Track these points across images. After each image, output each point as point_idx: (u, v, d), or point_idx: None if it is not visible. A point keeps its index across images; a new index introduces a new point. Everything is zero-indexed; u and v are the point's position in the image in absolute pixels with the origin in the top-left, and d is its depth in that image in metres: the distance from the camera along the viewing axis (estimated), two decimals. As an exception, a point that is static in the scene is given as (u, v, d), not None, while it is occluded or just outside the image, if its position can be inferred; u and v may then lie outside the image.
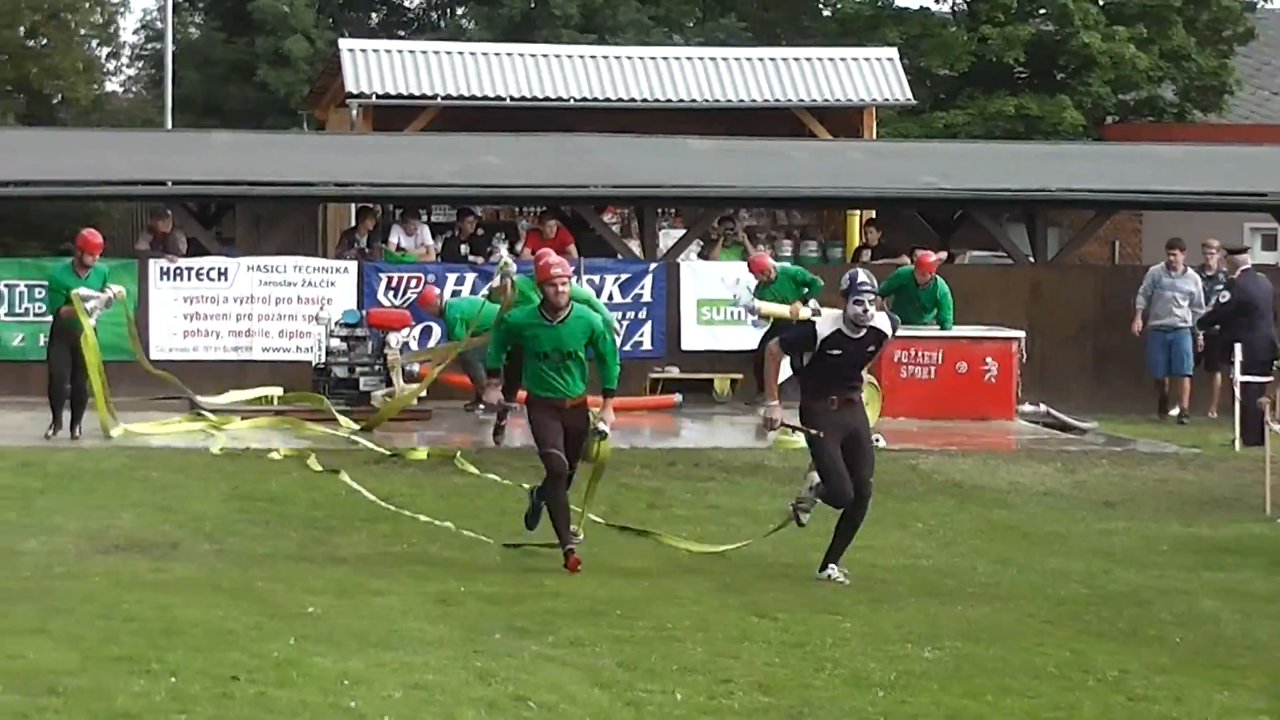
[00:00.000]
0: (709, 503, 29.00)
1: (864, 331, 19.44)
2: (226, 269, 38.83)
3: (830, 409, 19.80)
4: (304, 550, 23.05)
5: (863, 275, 19.41)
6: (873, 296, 18.88)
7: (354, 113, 49.33)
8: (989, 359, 38.00)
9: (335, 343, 37.36)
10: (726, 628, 18.45)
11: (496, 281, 35.18)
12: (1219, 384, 37.57)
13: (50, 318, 29.95)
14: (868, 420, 22.56)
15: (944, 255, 39.94)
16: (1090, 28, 62.01)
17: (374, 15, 62.54)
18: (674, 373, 39.29)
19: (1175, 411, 38.53)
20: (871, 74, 52.64)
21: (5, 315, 38.76)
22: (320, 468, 29.55)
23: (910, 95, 53.70)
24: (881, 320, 19.45)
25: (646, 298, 40.40)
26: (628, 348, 39.71)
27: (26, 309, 37.46)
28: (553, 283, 19.81)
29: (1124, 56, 62.49)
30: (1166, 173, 42.82)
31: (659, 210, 42.42)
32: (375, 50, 53.13)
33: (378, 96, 50.47)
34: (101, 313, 26.91)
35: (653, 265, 40.61)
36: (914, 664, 17.47)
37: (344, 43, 52.68)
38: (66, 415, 29.47)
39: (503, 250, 39.66)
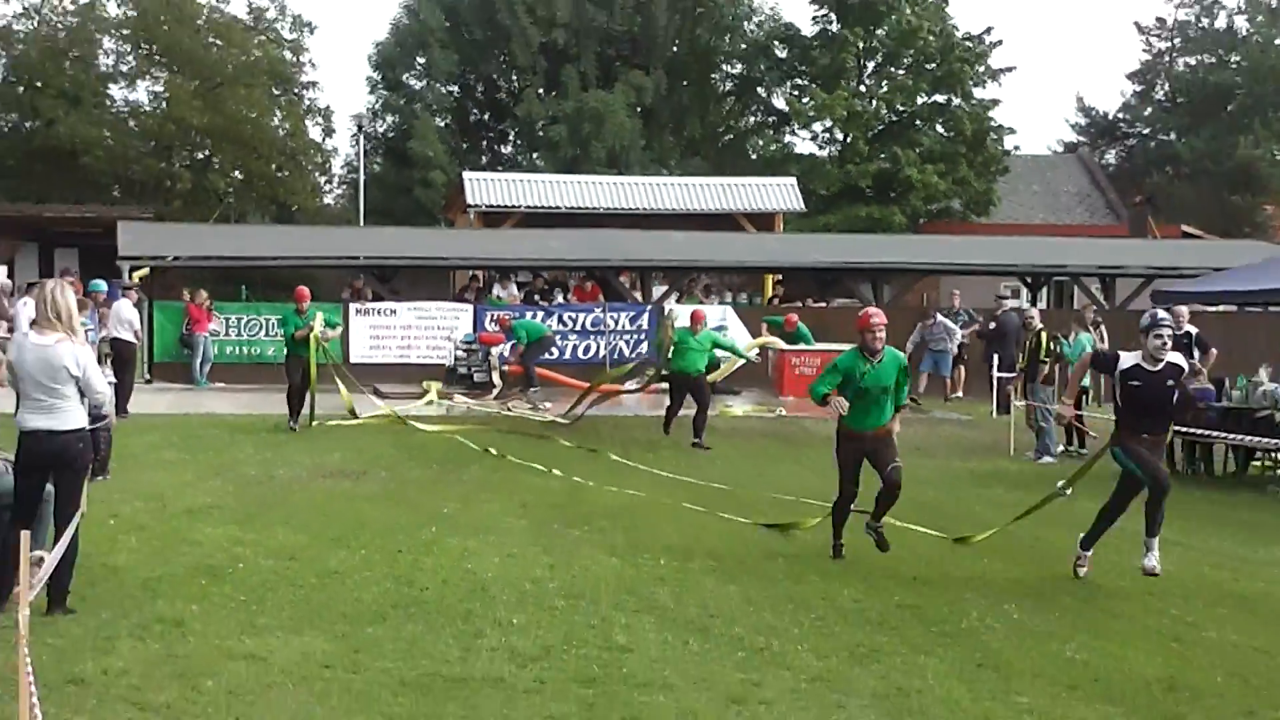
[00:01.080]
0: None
1: (1161, 365, 16.13)
2: (395, 309, 40.56)
3: (1142, 446, 15.85)
4: (441, 477, 23.65)
5: (1162, 313, 16.57)
6: (1170, 333, 16.12)
7: (471, 216, 53.51)
8: None
9: (460, 354, 38.07)
10: (692, 524, 19.27)
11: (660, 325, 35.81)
12: (964, 377, 40.63)
13: (284, 341, 29.77)
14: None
15: (794, 316, 40.72)
16: (911, 165, 67.13)
17: (483, 157, 57.19)
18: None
19: (958, 395, 40.23)
20: (780, 193, 57.25)
21: (265, 336, 39.59)
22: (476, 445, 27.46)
23: (803, 206, 58.42)
24: (1176, 356, 16.41)
25: (645, 326, 40.60)
26: (635, 354, 40.70)
27: (277, 333, 36.37)
28: (872, 329, 17.08)
29: (931, 182, 67.55)
30: (955, 253, 47.79)
31: (652, 274, 46.42)
32: (484, 178, 57.21)
33: (486, 206, 53.61)
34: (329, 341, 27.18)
35: (648, 306, 42.01)
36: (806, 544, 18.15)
37: (467, 174, 57.53)
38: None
39: (670, 302, 41.94)
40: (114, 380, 29.75)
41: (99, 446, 18.19)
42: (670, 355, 29.86)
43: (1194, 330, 28.71)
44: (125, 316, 31.26)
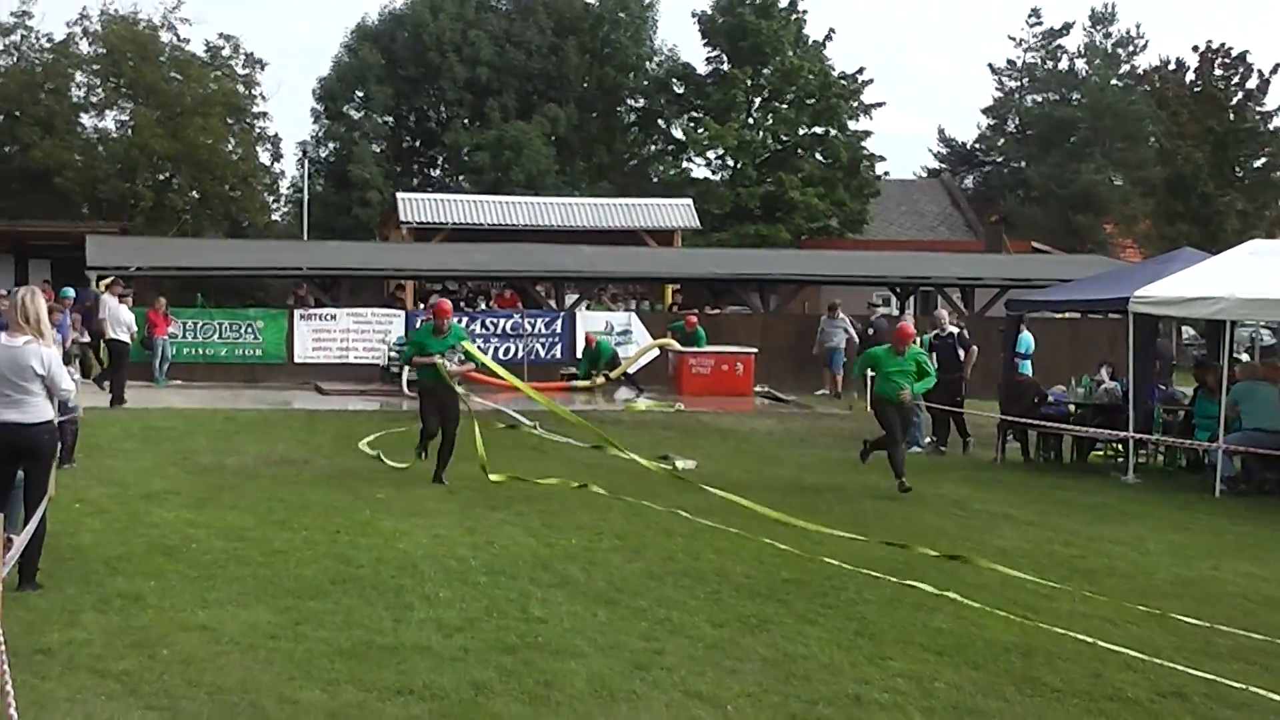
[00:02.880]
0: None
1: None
2: (335, 314, 40.90)
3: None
4: (375, 466, 23.42)
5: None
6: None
7: (404, 231, 54.04)
8: (739, 364, 39.02)
9: (393, 354, 37.85)
10: (600, 508, 19.08)
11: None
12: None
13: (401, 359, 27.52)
14: None
15: (694, 317, 41.62)
16: (794, 188, 67.29)
17: (414, 180, 57.04)
18: (572, 370, 39.66)
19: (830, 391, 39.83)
20: (678, 213, 57.53)
21: (218, 339, 40.20)
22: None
23: (699, 224, 58.88)
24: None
25: (559, 330, 41.97)
26: (549, 356, 42.00)
27: (229, 336, 39.79)
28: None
29: (812, 204, 68.00)
30: (832, 266, 48.20)
31: (565, 283, 46.69)
32: (415, 198, 57.65)
33: (417, 223, 54.16)
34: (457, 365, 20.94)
35: (562, 313, 43.17)
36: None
37: (400, 194, 57.69)
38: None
39: (581, 308, 44.32)
40: (101, 376, 31.72)
41: (65, 437, 18.39)
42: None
43: (956, 330, 29.20)
44: (123, 319, 32.76)
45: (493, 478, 20.98)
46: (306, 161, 65.57)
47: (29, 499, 12.77)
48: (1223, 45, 71.18)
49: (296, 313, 40.18)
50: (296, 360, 39.00)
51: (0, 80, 58.93)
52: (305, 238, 59.33)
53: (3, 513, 10.43)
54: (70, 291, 31.61)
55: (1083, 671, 10.99)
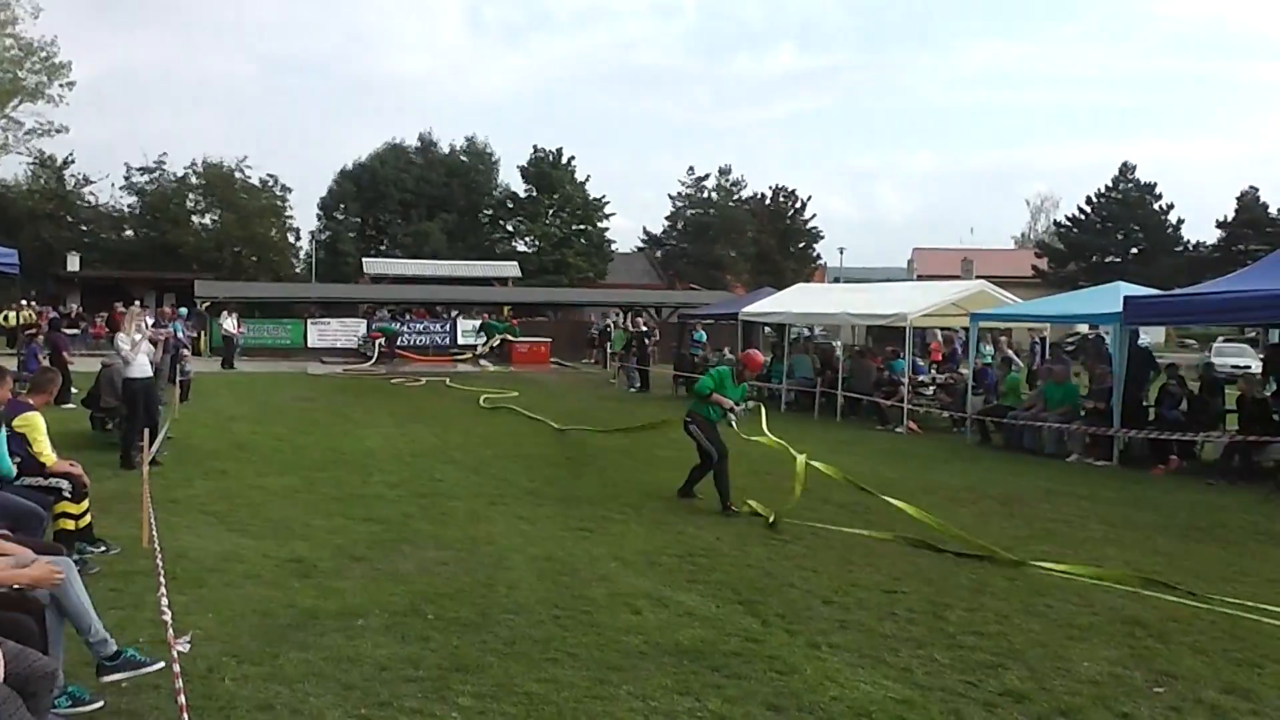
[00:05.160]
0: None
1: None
2: (329, 321, 38.05)
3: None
4: (354, 400, 21.67)
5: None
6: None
7: (367, 279, 50.66)
8: (542, 347, 36.21)
9: (360, 343, 36.07)
10: (481, 417, 17.36)
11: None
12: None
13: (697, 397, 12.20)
14: None
15: (515, 321, 38.82)
16: (569, 258, 61.57)
17: (373, 251, 56.46)
18: (472, 343, 37.41)
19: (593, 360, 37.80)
20: (510, 269, 53.58)
21: (266, 335, 37.21)
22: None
23: (520, 274, 54.08)
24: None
25: (446, 330, 38.88)
26: (443, 343, 38.32)
27: (273, 333, 37.62)
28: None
29: (579, 264, 62.32)
30: (591, 295, 49.31)
31: (452, 306, 42.51)
32: (373, 261, 54.06)
33: (374, 274, 50.45)
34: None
35: (449, 321, 39.84)
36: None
37: (365, 259, 55.36)
38: None
39: (464, 321, 39.80)
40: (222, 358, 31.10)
41: (187, 389, 18.60)
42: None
43: (646, 329, 29.33)
44: (228, 328, 32.69)
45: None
46: (314, 241, 63.68)
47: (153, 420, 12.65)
48: (784, 186, 75.88)
49: (309, 320, 39.83)
50: (309, 346, 38.28)
51: (150, 198, 57.11)
52: (314, 281, 57.53)
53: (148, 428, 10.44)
54: (184, 310, 32.35)
55: (812, 598, 7.88)
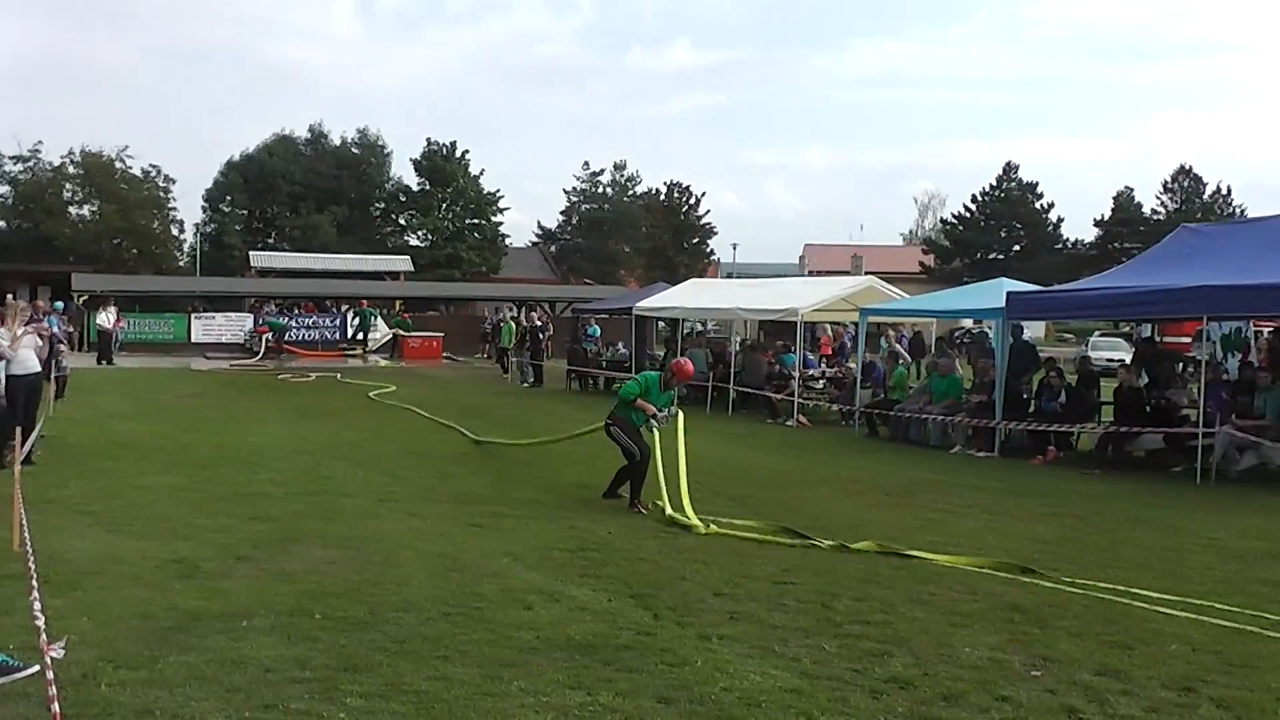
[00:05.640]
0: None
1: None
2: (214, 315, 37.80)
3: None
4: (239, 396, 20.42)
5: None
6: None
7: (254, 271, 49.27)
8: (434, 341, 36.20)
9: (247, 339, 35.78)
10: (366, 414, 17.53)
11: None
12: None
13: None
14: None
15: (407, 315, 39.61)
16: (463, 251, 61.38)
17: (260, 244, 54.94)
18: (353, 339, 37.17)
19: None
20: (402, 263, 52.96)
21: (147, 330, 36.61)
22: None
23: (413, 268, 53.39)
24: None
25: (336, 324, 37.81)
26: (332, 338, 37.36)
27: (155, 327, 36.91)
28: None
29: (472, 259, 61.82)
30: (484, 290, 48.59)
31: (343, 300, 41.04)
32: (260, 254, 53.07)
33: (261, 268, 49.51)
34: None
35: (339, 315, 38.71)
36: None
37: (252, 252, 54.27)
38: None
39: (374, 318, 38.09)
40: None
41: (63, 385, 18.03)
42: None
43: (540, 323, 29.42)
44: (101, 322, 31.75)
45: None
46: (199, 233, 61.96)
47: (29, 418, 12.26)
48: (679, 182, 76.55)
49: (192, 315, 39.46)
50: (194, 342, 37.49)
51: (24, 187, 55.38)
52: (198, 274, 56.11)
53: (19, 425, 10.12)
54: (60, 304, 31.96)
55: (715, 584, 9.79)
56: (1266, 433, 13.40)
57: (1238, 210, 66.21)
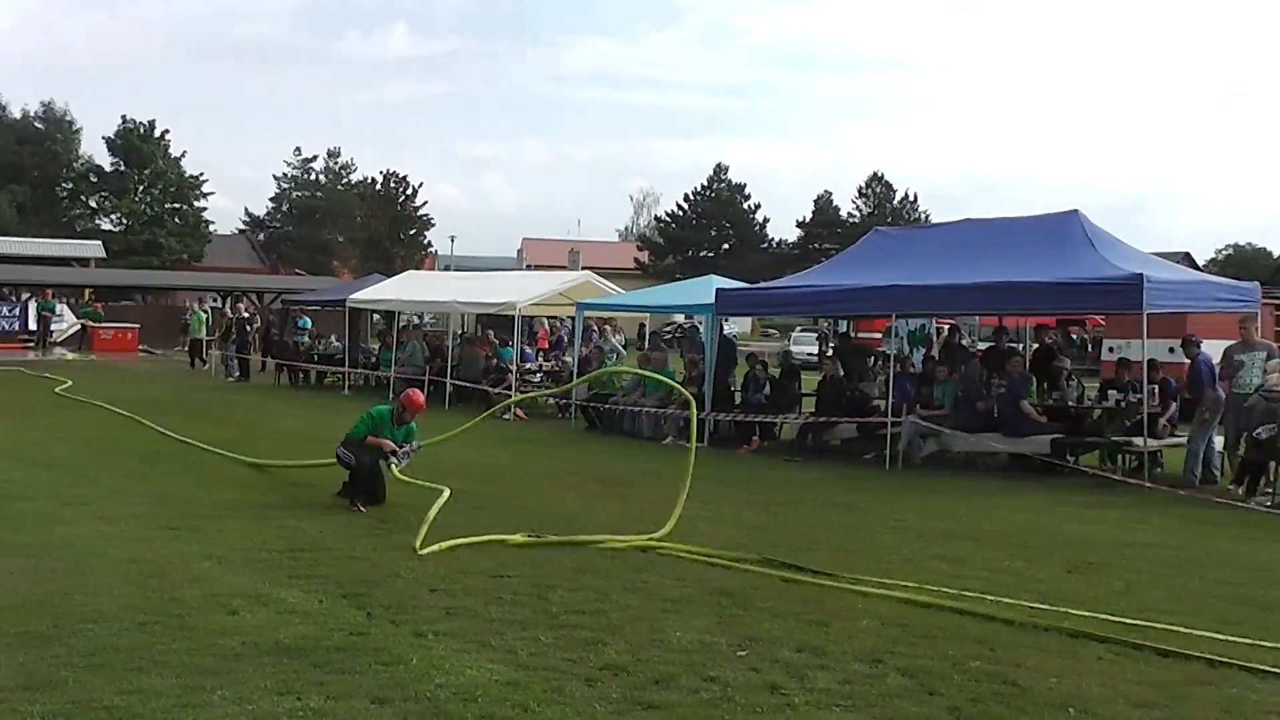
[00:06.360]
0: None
1: None
2: None
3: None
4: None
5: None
6: None
7: None
8: (130, 333, 35.07)
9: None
10: (64, 411, 15.88)
11: None
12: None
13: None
14: None
15: (99, 306, 37.72)
16: (163, 237, 58.58)
17: None
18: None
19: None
20: (93, 249, 49.94)
21: None
22: None
23: (105, 255, 50.08)
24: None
25: (18, 314, 34.54)
26: (11, 329, 34.15)
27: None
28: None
29: (173, 245, 59.40)
30: (184, 280, 45.24)
31: (22, 287, 38.01)
32: None
33: None
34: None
35: (19, 304, 35.66)
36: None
37: None
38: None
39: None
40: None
41: None
42: None
43: (247, 315, 29.14)
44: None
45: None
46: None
47: None
48: (395, 171, 75.77)
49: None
50: None
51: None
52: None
53: None
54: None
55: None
56: (945, 421, 14.58)
57: (923, 215, 72.10)
